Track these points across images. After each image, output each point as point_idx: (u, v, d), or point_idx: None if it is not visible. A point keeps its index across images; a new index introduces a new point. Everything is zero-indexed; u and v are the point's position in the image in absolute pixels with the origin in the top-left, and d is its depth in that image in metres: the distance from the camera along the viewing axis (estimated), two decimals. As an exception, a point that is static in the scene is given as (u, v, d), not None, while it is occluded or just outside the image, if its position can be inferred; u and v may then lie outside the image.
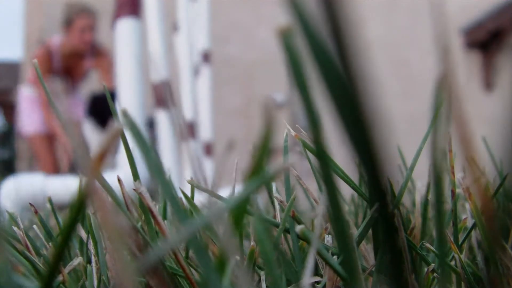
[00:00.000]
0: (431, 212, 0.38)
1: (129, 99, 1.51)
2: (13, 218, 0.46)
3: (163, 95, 1.58)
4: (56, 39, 3.01)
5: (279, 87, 5.95)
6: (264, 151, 0.17)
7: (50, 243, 0.43)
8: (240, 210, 0.19)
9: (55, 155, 3.14)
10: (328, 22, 0.14)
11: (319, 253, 0.25)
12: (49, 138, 3.11)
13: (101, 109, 2.95)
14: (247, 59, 6.26)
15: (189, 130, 1.95)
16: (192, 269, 0.31)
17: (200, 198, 0.37)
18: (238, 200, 0.18)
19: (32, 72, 3.08)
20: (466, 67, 6.63)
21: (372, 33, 6.10)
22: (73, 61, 3.05)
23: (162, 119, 1.59)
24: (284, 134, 0.38)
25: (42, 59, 2.93)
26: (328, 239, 0.34)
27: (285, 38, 0.16)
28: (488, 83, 6.68)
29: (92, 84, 3.51)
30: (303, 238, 0.32)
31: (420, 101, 6.09)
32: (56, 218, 0.43)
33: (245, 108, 6.13)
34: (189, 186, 0.38)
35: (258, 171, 0.18)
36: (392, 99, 5.99)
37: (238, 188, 0.30)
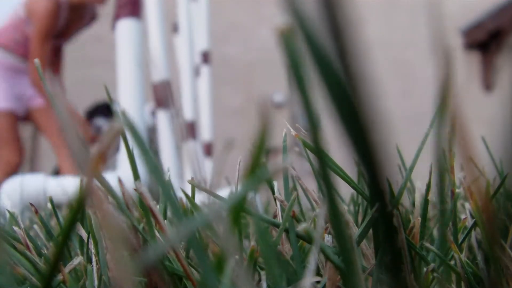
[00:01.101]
0: (431, 212, 0.38)
1: (129, 99, 1.51)
2: (13, 218, 0.46)
3: (163, 95, 1.58)
4: None
5: (279, 87, 5.95)
6: (260, 150, 0.17)
7: (50, 243, 0.43)
8: (238, 209, 0.19)
9: (19, 143, 2.36)
10: (328, 22, 0.14)
11: (322, 251, 0.25)
12: (14, 120, 2.35)
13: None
14: (247, 59, 6.26)
15: (189, 130, 1.95)
16: (192, 268, 0.31)
17: (200, 198, 0.37)
18: (235, 199, 0.18)
19: (34, 28, 2.23)
20: (465, 67, 6.63)
21: (372, 33, 6.10)
22: (75, 17, 2.37)
23: (162, 119, 1.59)
24: (283, 134, 0.38)
25: (50, 13, 2.21)
26: (328, 239, 0.34)
27: (285, 38, 0.16)
28: (488, 84, 6.67)
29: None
30: (306, 236, 0.32)
31: (420, 101, 6.09)
32: (57, 218, 0.43)
33: (245, 108, 6.12)
34: (189, 186, 0.38)
35: (255, 171, 0.18)
36: (392, 99, 5.99)
37: (238, 188, 0.30)
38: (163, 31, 1.61)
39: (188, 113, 1.91)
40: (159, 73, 1.56)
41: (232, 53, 6.14)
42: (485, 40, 6.53)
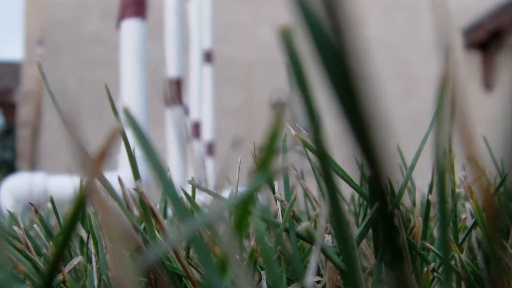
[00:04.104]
0: (432, 212, 0.38)
1: (132, 99, 1.51)
2: (13, 217, 0.46)
3: (173, 94, 1.58)
4: None
5: (279, 87, 5.94)
6: (270, 149, 0.17)
7: (50, 242, 0.43)
8: (243, 209, 0.19)
9: None
10: (328, 21, 0.14)
11: (322, 251, 0.25)
12: None
13: None
14: (247, 59, 6.25)
15: (194, 129, 1.95)
16: (192, 268, 0.31)
17: (201, 198, 0.37)
18: (241, 199, 0.18)
19: None
20: (466, 67, 6.62)
21: (372, 33, 6.09)
22: None
23: (170, 118, 1.59)
24: (283, 133, 0.38)
25: None
26: (328, 238, 0.34)
27: (286, 38, 0.16)
28: (488, 83, 6.67)
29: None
30: (307, 236, 0.32)
31: (420, 101, 6.08)
32: (57, 217, 0.43)
33: (245, 108, 6.12)
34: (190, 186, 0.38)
35: (264, 170, 0.18)
36: (392, 99, 5.98)
37: (241, 188, 0.30)
38: (180, 32, 1.61)
39: (194, 113, 1.91)
40: (171, 72, 1.56)
41: (233, 53, 6.13)
42: (485, 40, 6.53)
